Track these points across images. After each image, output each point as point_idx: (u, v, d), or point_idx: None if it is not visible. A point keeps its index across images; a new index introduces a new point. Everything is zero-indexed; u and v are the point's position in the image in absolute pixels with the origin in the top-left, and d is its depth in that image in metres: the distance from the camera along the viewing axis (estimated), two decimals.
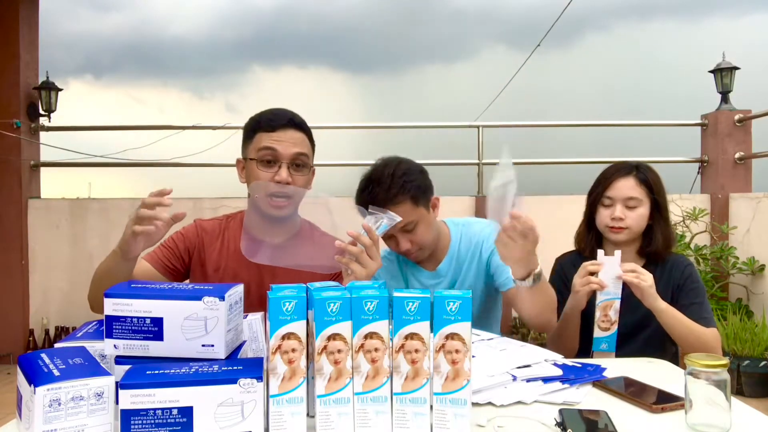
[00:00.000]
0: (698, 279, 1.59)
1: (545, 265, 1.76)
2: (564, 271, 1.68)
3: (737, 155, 4.17)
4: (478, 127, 4.32)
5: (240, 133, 1.53)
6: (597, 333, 1.45)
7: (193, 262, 1.50)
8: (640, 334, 1.47)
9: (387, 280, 1.58)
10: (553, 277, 1.71)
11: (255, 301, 1.38)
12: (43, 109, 4.25)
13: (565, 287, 1.66)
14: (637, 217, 1.55)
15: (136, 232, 1.17)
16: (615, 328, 1.44)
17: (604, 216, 1.58)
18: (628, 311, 1.44)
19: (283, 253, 1.46)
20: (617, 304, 1.44)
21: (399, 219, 1.32)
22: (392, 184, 1.42)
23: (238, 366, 0.84)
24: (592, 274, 1.43)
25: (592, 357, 1.43)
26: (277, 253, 1.44)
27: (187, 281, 1.54)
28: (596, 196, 1.62)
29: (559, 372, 1.12)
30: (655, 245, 1.58)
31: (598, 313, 1.45)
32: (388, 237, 1.48)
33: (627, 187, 1.56)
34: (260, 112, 1.47)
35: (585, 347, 1.55)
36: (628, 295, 1.44)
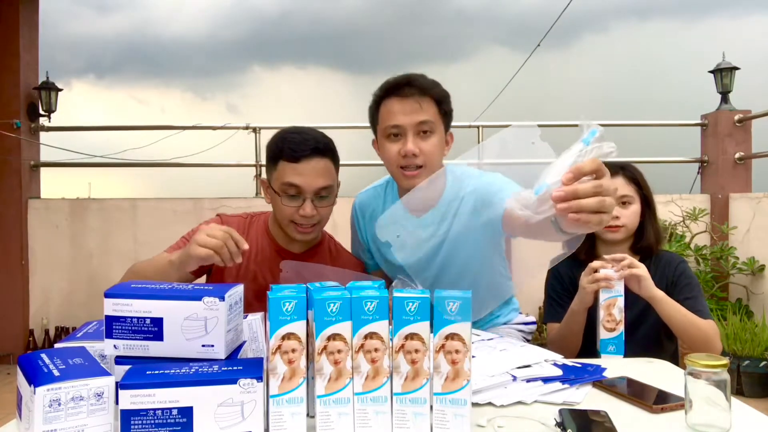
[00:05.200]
0: (692, 275, 1.60)
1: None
2: (559, 271, 1.68)
3: (737, 155, 4.17)
4: (478, 127, 4.33)
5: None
6: (603, 334, 1.42)
7: None
8: (638, 330, 1.48)
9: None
10: (549, 279, 1.71)
11: None
12: (43, 110, 4.25)
13: (561, 286, 1.66)
14: (631, 214, 1.59)
15: (218, 262, 1.17)
16: (621, 328, 1.42)
17: None
18: (625, 308, 1.44)
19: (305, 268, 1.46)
20: (621, 302, 1.43)
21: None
22: (426, 80, 1.41)
23: (238, 366, 0.84)
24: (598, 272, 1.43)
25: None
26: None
27: (203, 279, 1.54)
28: None
29: (559, 372, 1.12)
30: (647, 240, 1.61)
31: (602, 313, 1.43)
32: (396, 135, 1.39)
33: (618, 185, 1.58)
34: (284, 134, 1.41)
35: (586, 348, 1.54)
36: (625, 291, 1.44)
